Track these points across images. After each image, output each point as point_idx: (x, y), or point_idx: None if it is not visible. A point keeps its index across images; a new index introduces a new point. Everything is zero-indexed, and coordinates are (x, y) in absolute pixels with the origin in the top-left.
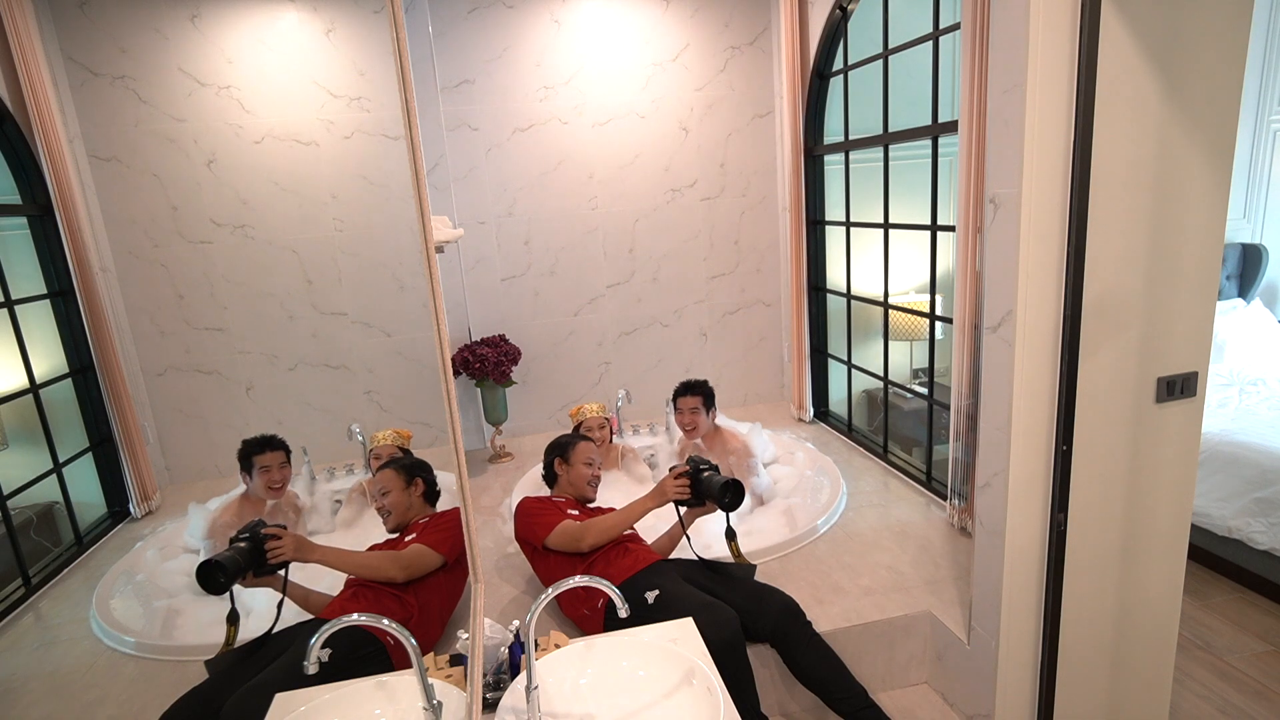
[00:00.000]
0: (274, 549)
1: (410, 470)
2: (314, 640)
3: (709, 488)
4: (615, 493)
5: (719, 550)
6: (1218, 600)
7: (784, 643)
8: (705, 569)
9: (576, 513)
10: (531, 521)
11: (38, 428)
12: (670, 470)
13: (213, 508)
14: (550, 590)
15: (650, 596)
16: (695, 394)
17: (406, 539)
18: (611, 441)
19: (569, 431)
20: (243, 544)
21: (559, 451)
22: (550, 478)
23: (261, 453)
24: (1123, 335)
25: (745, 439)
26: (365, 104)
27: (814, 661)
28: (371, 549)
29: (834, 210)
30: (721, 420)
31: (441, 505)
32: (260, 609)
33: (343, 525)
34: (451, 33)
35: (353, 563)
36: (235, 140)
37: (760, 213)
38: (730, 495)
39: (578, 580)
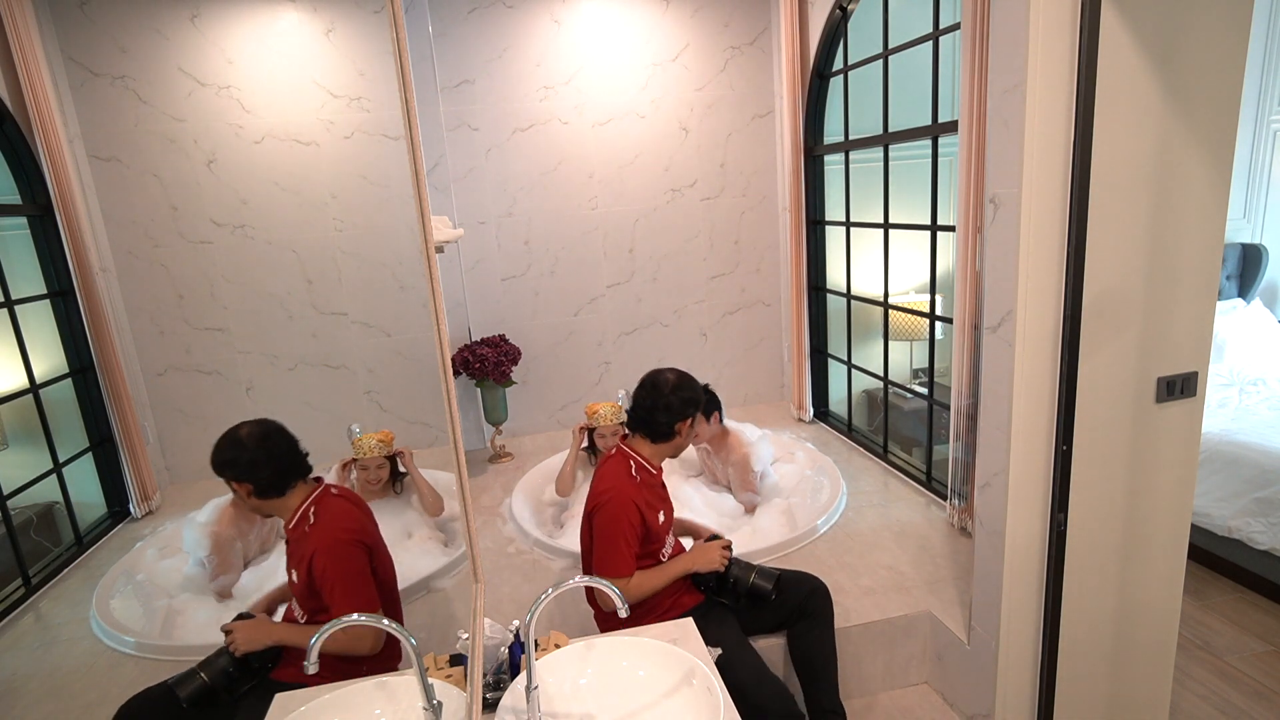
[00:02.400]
0: (229, 645)
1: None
2: (314, 640)
3: (737, 585)
4: None
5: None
6: (1218, 600)
7: (803, 615)
8: (742, 598)
9: (663, 516)
10: (606, 550)
11: (38, 428)
12: (715, 539)
13: (203, 520)
14: (550, 590)
15: (711, 654)
16: None
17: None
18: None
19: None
20: (203, 677)
21: (690, 408)
22: (662, 432)
23: None
24: (1123, 335)
25: (748, 452)
26: (365, 104)
27: (816, 645)
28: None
29: (834, 210)
30: (732, 424)
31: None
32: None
33: None
34: (451, 33)
35: (295, 636)
36: (235, 140)
37: (760, 213)
38: (748, 602)
39: (578, 580)
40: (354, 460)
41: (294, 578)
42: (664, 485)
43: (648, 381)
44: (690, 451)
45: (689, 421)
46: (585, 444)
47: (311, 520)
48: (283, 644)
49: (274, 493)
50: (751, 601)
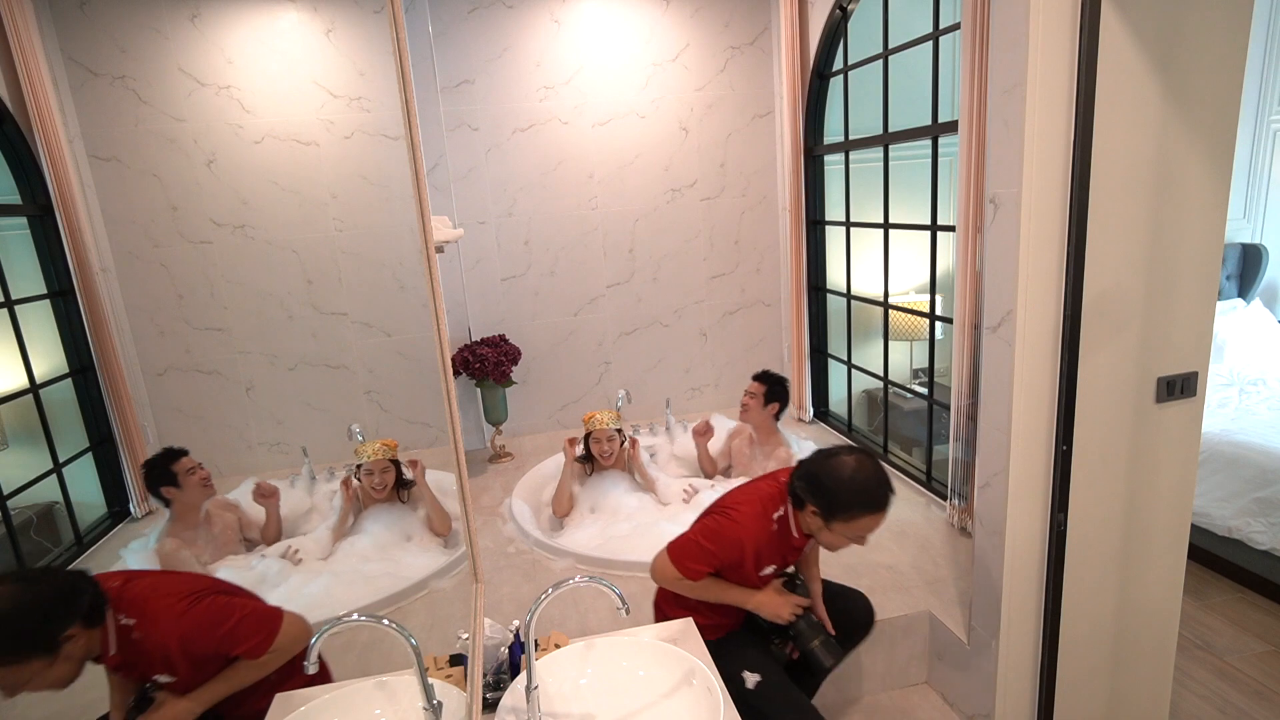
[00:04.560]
0: None
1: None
2: (314, 640)
3: (803, 641)
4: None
5: None
6: (1218, 600)
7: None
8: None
9: (772, 569)
10: (690, 545)
11: (38, 428)
12: (787, 582)
13: (152, 546)
14: (550, 590)
15: (750, 680)
16: (761, 381)
17: None
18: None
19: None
20: None
21: (832, 510)
22: (800, 504)
23: (179, 459)
24: (1123, 335)
25: (792, 453)
26: (365, 104)
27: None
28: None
29: (834, 210)
30: (785, 431)
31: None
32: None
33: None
34: (451, 33)
35: (230, 686)
36: (235, 140)
37: (760, 213)
38: (816, 664)
39: (578, 580)
40: (358, 467)
41: (165, 679)
42: (798, 551)
43: (826, 454)
44: (688, 449)
45: (813, 508)
46: (581, 452)
47: (132, 624)
48: (210, 706)
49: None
50: (801, 662)
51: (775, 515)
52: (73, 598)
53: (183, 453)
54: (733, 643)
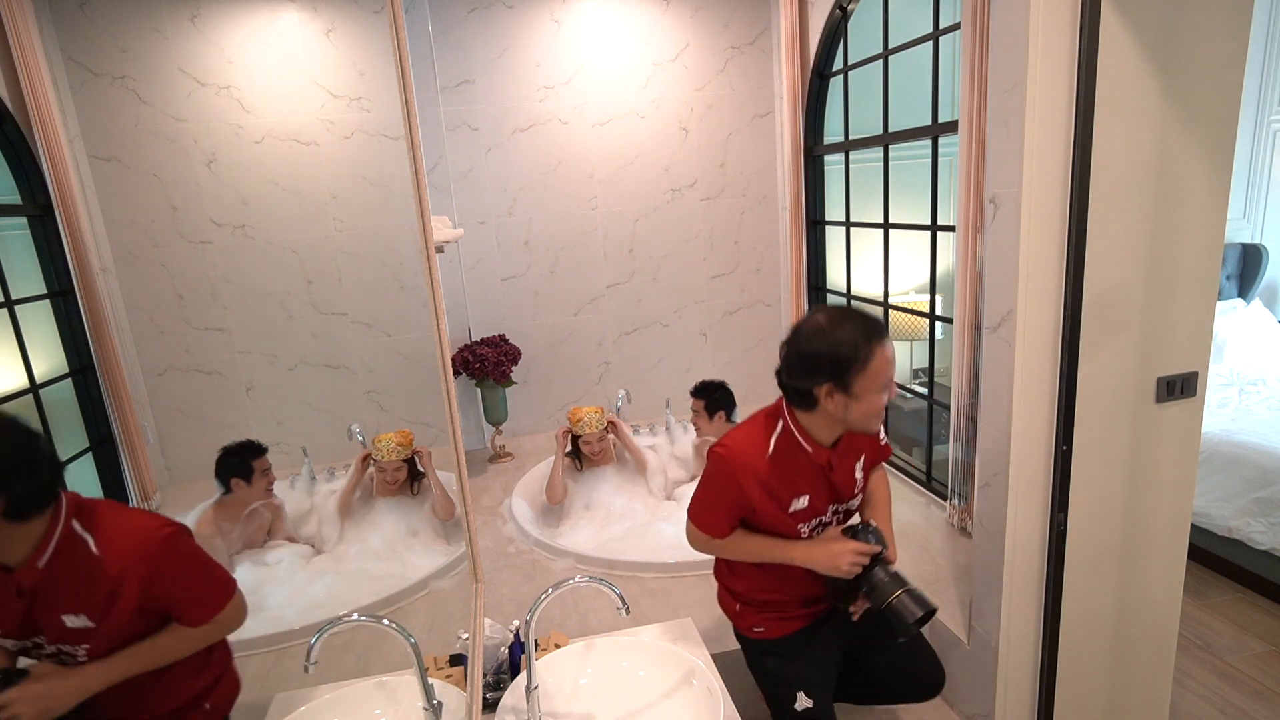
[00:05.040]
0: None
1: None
2: (314, 640)
3: (879, 596)
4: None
5: None
6: (1218, 600)
7: (891, 694)
8: (854, 627)
9: (803, 503)
10: (700, 499)
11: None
12: (848, 529)
13: (192, 527)
14: (550, 590)
15: (802, 702)
16: (697, 397)
17: None
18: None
19: (567, 430)
20: None
21: (820, 373)
22: (796, 395)
23: (259, 456)
24: (1123, 335)
25: None
26: (365, 104)
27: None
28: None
29: (834, 210)
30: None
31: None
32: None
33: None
34: (451, 33)
35: (145, 659)
36: (235, 140)
37: (760, 213)
38: (899, 624)
39: (578, 580)
40: (368, 455)
41: (73, 622)
42: (827, 465)
43: (789, 331)
44: (687, 449)
45: (825, 388)
46: (569, 449)
47: (91, 539)
48: (123, 679)
49: (22, 515)
50: (880, 625)
51: (772, 437)
52: (27, 446)
53: (263, 450)
54: (797, 648)
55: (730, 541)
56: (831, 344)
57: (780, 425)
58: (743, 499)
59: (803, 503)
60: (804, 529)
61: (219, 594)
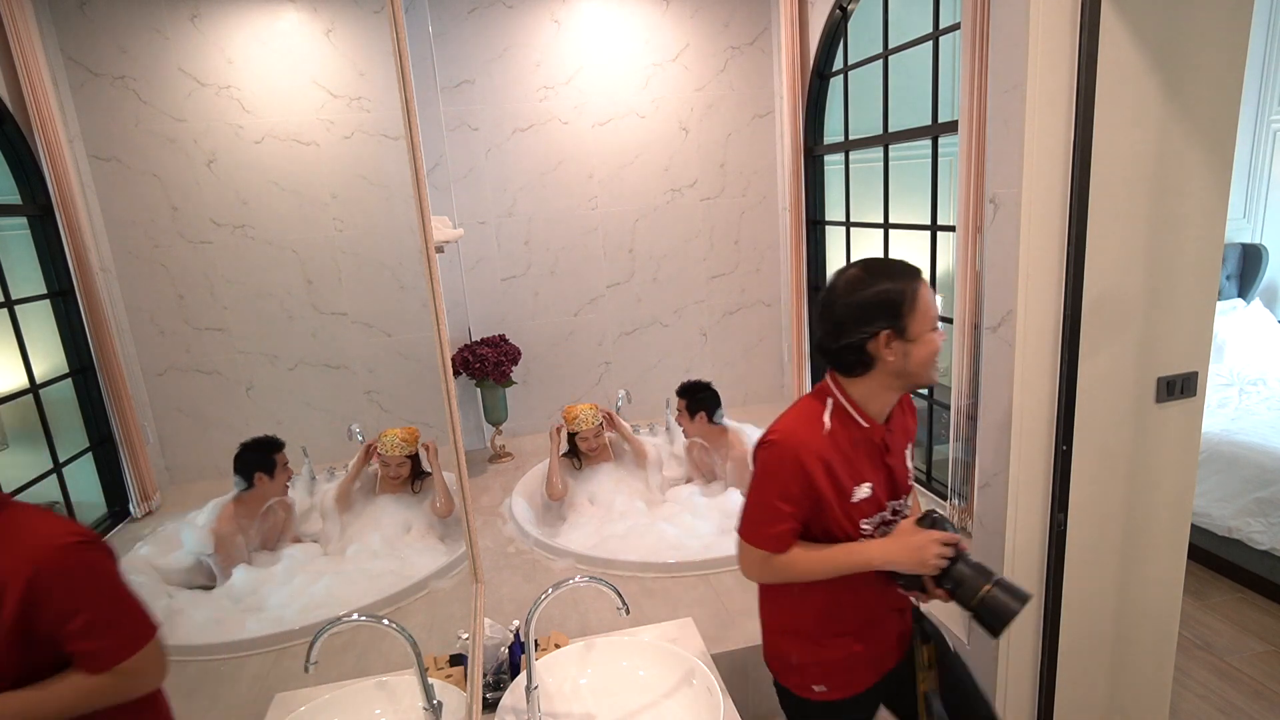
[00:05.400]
0: None
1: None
2: (314, 640)
3: (967, 592)
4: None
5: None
6: (1218, 600)
7: None
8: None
9: (865, 491)
10: (752, 505)
11: (38, 428)
12: (922, 518)
13: (203, 523)
14: (550, 590)
15: None
16: (680, 396)
17: None
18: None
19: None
20: None
21: (879, 319)
22: (848, 361)
23: (280, 450)
24: (1123, 335)
25: (747, 449)
26: (365, 104)
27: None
28: None
29: (834, 210)
30: (731, 424)
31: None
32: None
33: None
34: (451, 33)
35: (16, 709)
36: (235, 140)
37: (760, 213)
38: (994, 621)
39: (578, 580)
40: (373, 446)
41: None
42: (883, 445)
43: (822, 295)
44: (695, 452)
45: (882, 336)
46: (566, 448)
47: None
48: None
49: None
50: (997, 620)
51: (825, 415)
52: None
53: (283, 444)
54: (864, 712)
55: (792, 558)
56: (878, 290)
57: (830, 402)
58: (808, 487)
59: (865, 491)
60: (867, 526)
61: (130, 635)
